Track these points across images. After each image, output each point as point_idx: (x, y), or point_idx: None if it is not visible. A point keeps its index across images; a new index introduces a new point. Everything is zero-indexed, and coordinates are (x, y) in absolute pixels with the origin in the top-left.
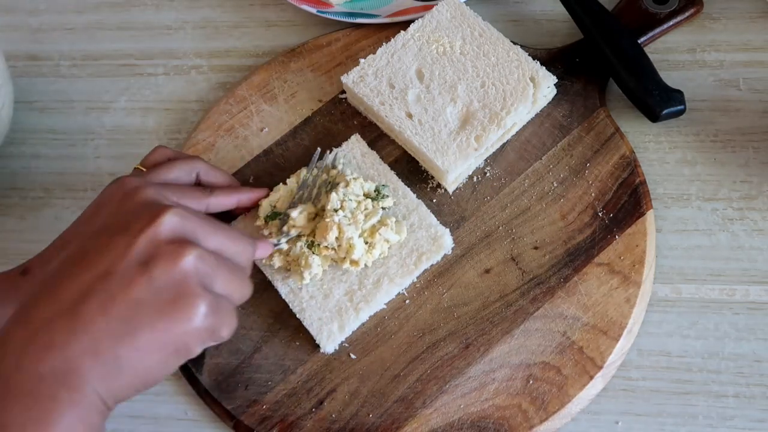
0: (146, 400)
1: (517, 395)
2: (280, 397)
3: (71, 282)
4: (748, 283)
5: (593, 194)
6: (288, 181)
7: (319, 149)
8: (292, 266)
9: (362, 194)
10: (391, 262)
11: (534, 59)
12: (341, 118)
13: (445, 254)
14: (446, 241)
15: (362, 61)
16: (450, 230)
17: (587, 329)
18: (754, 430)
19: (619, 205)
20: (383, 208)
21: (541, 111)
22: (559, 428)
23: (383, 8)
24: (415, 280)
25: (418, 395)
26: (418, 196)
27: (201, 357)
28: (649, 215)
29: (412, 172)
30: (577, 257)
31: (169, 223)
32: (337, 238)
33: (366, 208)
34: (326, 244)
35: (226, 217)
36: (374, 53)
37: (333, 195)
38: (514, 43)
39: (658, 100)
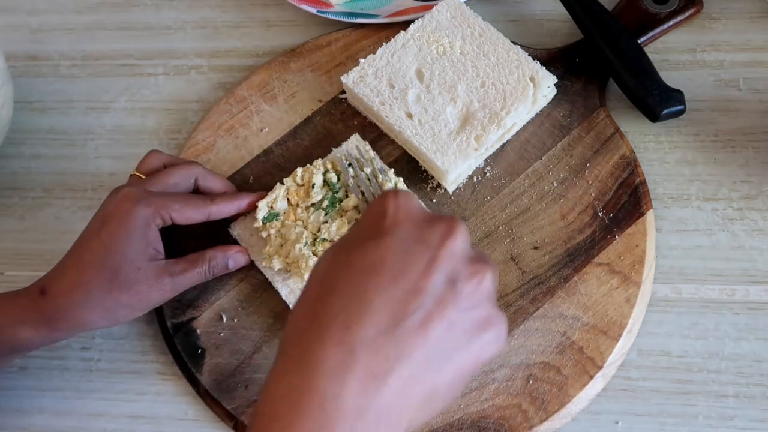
0: (147, 401)
1: (517, 395)
2: None
3: (381, 296)
4: (748, 283)
5: (593, 194)
6: (285, 180)
7: (343, 160)
8: (292, 268)
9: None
10: None
11: (534, 59)
12: (341, 118)
13: None
14: None
15: (362, 61)
16: None
17: (587, 329)
18: (754, 430)
19: (619, 205)
20: None
21: (541, 111)
22: (559, 428)
23: (383, 8)
24: None
25: None
26: (418, 196)
27: (201, 357)
28: (649, 215)
29: (412, 172)
30: (577, 257)
31: (463, 238)
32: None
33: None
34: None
35: (224, 220)
36: (374, 53)
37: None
38: (514, 43)
39: (658, 100)
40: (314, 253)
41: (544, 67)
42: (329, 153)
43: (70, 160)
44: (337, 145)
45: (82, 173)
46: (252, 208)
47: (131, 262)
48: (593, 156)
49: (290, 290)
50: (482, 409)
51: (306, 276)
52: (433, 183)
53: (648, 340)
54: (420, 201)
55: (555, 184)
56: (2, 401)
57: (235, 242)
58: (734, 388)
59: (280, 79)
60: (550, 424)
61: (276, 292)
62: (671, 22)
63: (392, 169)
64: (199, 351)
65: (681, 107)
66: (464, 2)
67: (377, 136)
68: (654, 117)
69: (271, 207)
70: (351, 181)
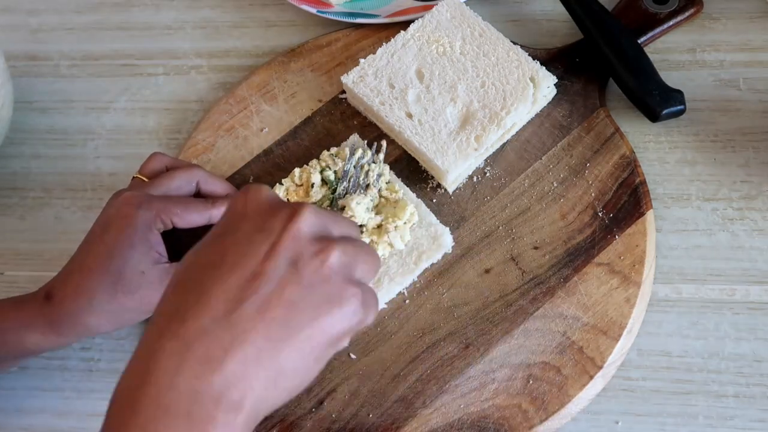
0: None
1: (517, 395)
2: None
3: (218, 287)
4: (748, 283)
5: (593, 194)
6: (284, 181)
7: (355, 138)
8: None
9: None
10: (391, 262)
11: (534, 59)
12: (341, 118)
13: (445, 254)
14: (446, 240)
15: (362, 61)
16: (450, 230)
17: (587, 329)
18: (754, 430)
19: (619, 205)
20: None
21: (541, 111)
22: (559, 428)
23: (383, 8)
24: (415, 279)
25: (418, 395)
26: (418, 196)
27: None
28: (649, 215)
29: (412, 172)
30: (577, 257)
31: (308, 220)
32: None
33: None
34: None
35: None
36: (374, 53)
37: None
38: (514, 43)
39: (658, 100)
40: None
41: (544, 67)
42: (372, 146)
43: (70, 160)
44: (337, 145)
45: (82, 173)
46: None
47: (135, 266)
48: (593, 156)
49: None
50: (482, 409)
51: None
52: (433, 183)
53: (648, 340)
54: (273, 191)
55: (555, 184)
56: (2, 401)
57: None
58: (734, 388)
59: (280, 79)
60: (550, 424)
61: None
62: (671, 22)
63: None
64: None
65: (681, 107)
66: (464, 2)
67: (377, 136)
68: (654, 117)
69: None
70: (348, 166)
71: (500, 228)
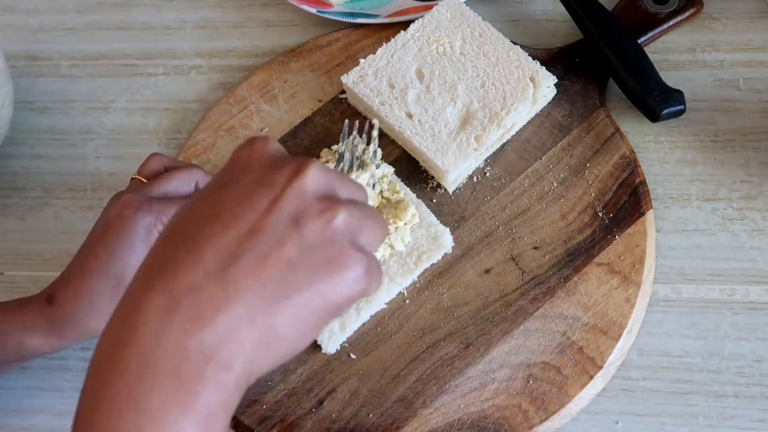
0: None
1: (517, 395)
2: (280, 397)
3: (213, 241)
4: (748, 283)
5: (593, 194)
6: None
7: (347, 122)
8: None
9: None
10: (392, 262)
11: (534, 59)
12: (341, 118)
13: (445, 254)
14: (446, 240)
15: (362, 61)
16: (450, 230)
17: (587, 329)
18: (754, 430)
19: (619, 205)
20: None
21: (541, 111)
22: (559, 428)
23: (383, 8)
24: (415, 279)
25: (418, 395)
26: (418, 196)
27: None
28: (649, 215)
29: (412, 172)
30: (577, 257)
31: (314, 177)
32: None
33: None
34: None
35: None
36: (374, 53)
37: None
38: (514, 43)
39: (658, 100)
40: None
41: (544, 67)
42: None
43: (70, 160)
44: (338, 144)
45: (82, 173)
46: None
47: (135, 269)
48: (593, 156)
49: None
50: (482, 409)
51: None
52: (433, 183)
53: (648, 340)
54: (280, 146)
55: (555, 184)
56: (2, 401)
57: None
58: (734, 388)
59: (280, 79)
60: (550, 424)
61: None
62: (671, 22)
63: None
64: None
65: (681, 107)
66: (464, 2)
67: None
68: (654, 117)
69: None
70: (342, 147)
71: (500, 228)
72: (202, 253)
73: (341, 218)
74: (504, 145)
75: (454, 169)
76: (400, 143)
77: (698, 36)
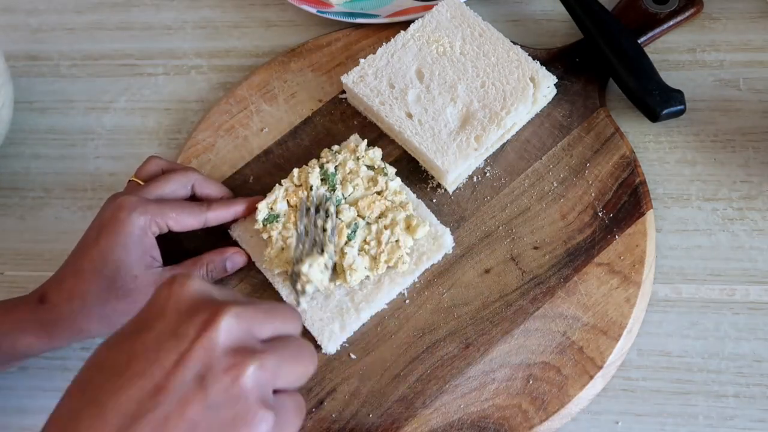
0: None
1: (517, 395)
2: None
3: (117, 398)
4: (748, 283)
5: (593, 194)
6: (283, 182)
7: (305, 202)
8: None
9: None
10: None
11: (534, 59)
12: (341, 118)
13: (445, 254)
14: (446, 241)
15: (362, 61)
16: (450, 230)
17: (587, 329)
18: (754, 430)
19: (619, 205)
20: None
21: (541, 111)
22: (559, 428)
23: (383, 8)
24: (416, 279)
25: (418, 395)
26: (418, 196)
27: None
28: (649, 215)
29: (412, 172)
30: (577, 257)
31: (227, 328)
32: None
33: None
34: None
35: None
36: (374, 53)
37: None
38: (514, 43)
39: (658, 100)
40: None
41: (544, 67)
42: (318, 197)
43: (70, 160)
44: (338, 144)
45: (82, 173)
46: (249, 214)
47: (128, 270)
48: (593, 156)
49: (290, 291)
50: (482, 409)
51: (308, 288)
52: (433, 183)
53: (648, 340)
54: (201, 284)
55: (555, 184)
56: (2, 401)
57: (235, 244)
58: (734, 388)
59: (280, 79)
60: (550, 424)
61: (276, 293)
62: (671, 22)
63: (395, 169)
64: None
65: (681, 107)
66: (464, 2)
67: (377, 136)
68: (654, 117)
69: (271, 208)
70: (301, 227)
71: (500, 228)
72: (104, 411)
73: (249, 374)
74: (504, 145)
75: (454, 169)
76: (400, 143)
77: (698, 36)
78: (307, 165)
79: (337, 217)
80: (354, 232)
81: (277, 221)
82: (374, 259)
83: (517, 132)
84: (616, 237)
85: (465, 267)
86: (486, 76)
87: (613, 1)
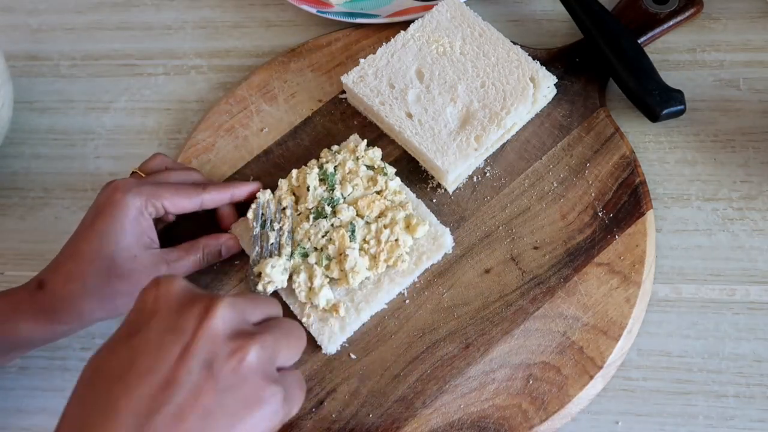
0: None
1: (517, 395)
2: None
3: (127, 398)
4: (748, 283)
5: (593, 194)
6: (281, 182)
7: (259, 206)
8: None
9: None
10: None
11: (534, 59)
12: (341, 118)
13: (445, 254)
14: (446, 241)
15: (362, 61)
16: (450, 230)
17: (587, 329)
18: (754, 430)
19: (619, 205)
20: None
21: (541, 111)
22: (559, 428)
23: (383, 8)
24: (416, 279)
25: (418, 395)
26: (418, 196)
27: None
28: (649, 215)
29: (412, 172)
30: (577, 257)
31: (224, 316)
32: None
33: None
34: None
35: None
36: (374, 53)
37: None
38: (514, 43)
39: (658, 100)
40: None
41: (544, 67)
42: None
43: (70, 160)
44: (338, 145)
45: (82, 173)
46: (248, 199)
47: (127, 250)
48: (593, 156)
49: (289, 292)
50: (482, 409)
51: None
52: (433, 183)
53: (648, 340)
54: (186, 283)
55: (555, 184)
56: (2, 401)
57: None
58: (734, 388)
59: (280, 79)
60: (550, 424)
61: (275, 292)
62: (671, 22)
63: (395, 169)
64: None
65: (681, 107)
66: (464, 2)
67: (377, 136)
68: (654, 117)
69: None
70: (256, 230)
71: (500, 228)
72: (117, 414)
73: (253, 354)
74: (504, 145)
75: (454, 169)
76: (400, 143)
77: (698, 36)
78: (306, 165)
79: (335, 216)
80: (353, 232)
81: (249, 279)
82: (374, 258)
83: (517, 132)
84: (616, 237)
85: (465, 267)
86: (486, 76)
87: (613, 1)
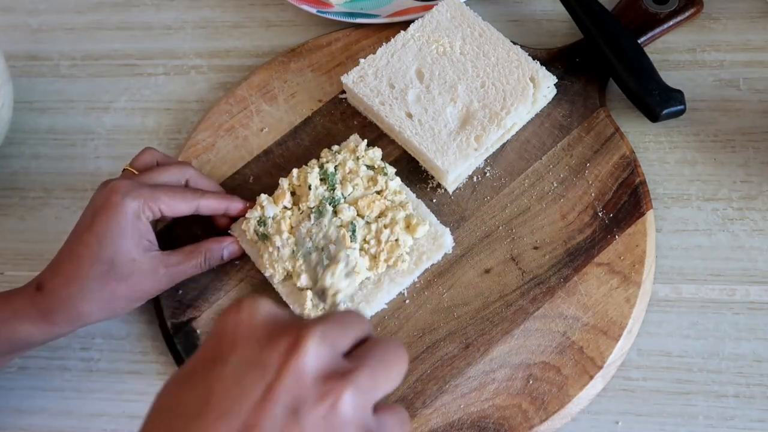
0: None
1: (517, 395)
2: None
3: None
4: (748, 283)
5: (593, 194)
6: (281, 182)
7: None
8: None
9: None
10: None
11: (534, 59)
12: (341, 118)
13: (445, 254)
14: (446, 241)
15: (362, 61)
16: (450, 230)
17: (587, 329)
18: (754, 430)
19: (619, 205)
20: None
21: (541, 111)
22: (559, 428)
23: (383, 8)
24: (416, 279)
25: (418, 395)
26: (418, 196)
27: None
28: (649, 215)
29: (412, 172)
30: (577, 257)
31: (314, 352)
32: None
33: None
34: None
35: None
36: (374, 53)
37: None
38: (514, 43)
39: (658, 100)
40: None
41: (544, 67)
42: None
43: (70, 160)
44: (338, 145)
45: (82, 173)
46: (241, 215)
47: (126, 253)
48: (593, 156)
49: (290, 291)
50: (482, 409)
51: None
52: (433, 183)
53: (648, 340)
54: (271, 307)
55: (555, 184)
56: (2, 401)
57: None
58: (734, 388)
59: (280, 79)
60: (550, 424)
61: (276, 293)
62: (671, 22)
63: (395, 169)
64: None
65: (681, 107)
66: (464, 2)
67: (377, 136)
68: (654, 117)
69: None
70: (308, 245)
71: (500, 228)
72: None
73: (348, 401)
74: (504, 145)
75: (454, 169)
76: (400, 143)
77: (698, 36)
78: (306, 165)
79: (336, 216)
80: (354, 232)
81: (315, 293)
82: (374, 258)
83: (517, 132)
84: (616, 237)
85: (465, 267)
86: (486, 76)
87: (613, 1)
